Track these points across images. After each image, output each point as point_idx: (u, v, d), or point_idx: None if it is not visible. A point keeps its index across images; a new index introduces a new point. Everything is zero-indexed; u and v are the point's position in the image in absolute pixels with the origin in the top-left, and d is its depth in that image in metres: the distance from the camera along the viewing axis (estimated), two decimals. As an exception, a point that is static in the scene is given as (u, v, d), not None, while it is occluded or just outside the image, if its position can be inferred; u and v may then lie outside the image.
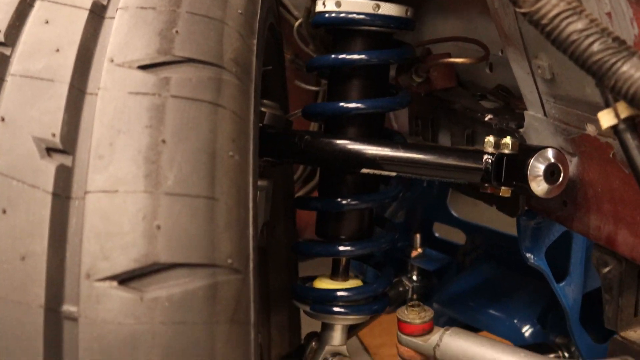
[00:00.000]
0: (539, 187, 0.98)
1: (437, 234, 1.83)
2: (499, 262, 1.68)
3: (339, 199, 1.17)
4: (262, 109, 1.13)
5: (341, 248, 1.19)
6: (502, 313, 1.56)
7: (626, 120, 0.67)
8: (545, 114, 1.02)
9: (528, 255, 1.24)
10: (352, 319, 1.23)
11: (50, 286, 0.64)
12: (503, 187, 1.02)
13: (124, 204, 0.65)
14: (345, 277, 1.25)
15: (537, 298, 1.58)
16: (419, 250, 1.78)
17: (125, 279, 0.63)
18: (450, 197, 1.79)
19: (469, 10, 1.18)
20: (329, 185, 1.19)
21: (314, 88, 1.39)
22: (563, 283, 1.31)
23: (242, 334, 0.66)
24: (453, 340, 1.16)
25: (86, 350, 0.62)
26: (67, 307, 0.64)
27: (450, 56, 1.21)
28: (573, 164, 1.03)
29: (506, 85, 1.19)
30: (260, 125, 1.12)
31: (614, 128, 0.68)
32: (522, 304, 1.57)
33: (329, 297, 1.21)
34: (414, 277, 1.73)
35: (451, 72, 1.25)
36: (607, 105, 0.69)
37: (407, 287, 1.72)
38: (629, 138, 0.67)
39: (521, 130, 1.08)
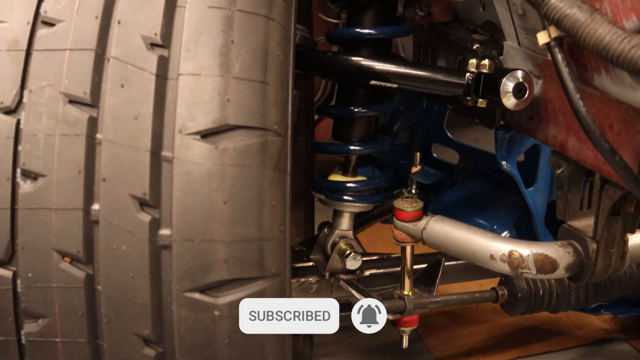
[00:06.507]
0: (509, 101, 1.18)
1: (435, 155, 2.09)
2: (486, 179, 1.93)
3: (352, 107, 1.45)
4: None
5: (351, 147, 1.47)
6: (485, 220, 1.75)
7: (555, 39, 0.93)
8: (519, 44, 1.21)
9: (503, 162, 1.47)
10: (358, 207, 1.51)
11: (154, 138, 0.92)
12: (480, 99, 1.24)
13: (205, 83, 0.93)
14: (354, 174, 1.53)
15: (514, 209, 1.78)
16: (418, 167, 2.02)
17: (205, 134, 0.92)
18: (447, 122, 2.04)
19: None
20: (344, 96, 1.47)
21: (334, 21, 1.65)
22: (531, 188, 1.55)
23: (282, 179, 0.95)
24: (437, 225, 1.42)
25: (178, 181, 0.92)
26: (165, 153, 0.93)
27: (448, -5, 1.45)
28: (539, 85, 1.19)
29: (493, 22, 1.33)
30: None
31: (547, 44, 0.95)
32: (502, 213, 1.76)
33: (340, 187, 1.49)
34: (413, 190, 1.98)
35: (449, 8, 1.49)
36: (543, 28, 0.95)
37: (406, 197, 1.96)
38: (557, 52, 0.93)
39: (501, 57, 1.28)
